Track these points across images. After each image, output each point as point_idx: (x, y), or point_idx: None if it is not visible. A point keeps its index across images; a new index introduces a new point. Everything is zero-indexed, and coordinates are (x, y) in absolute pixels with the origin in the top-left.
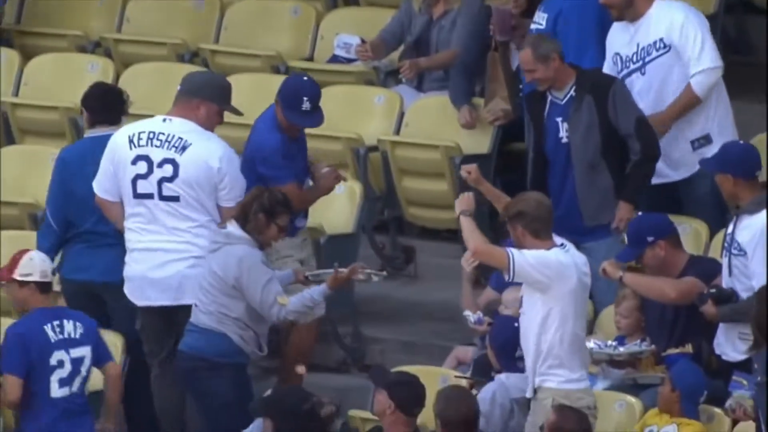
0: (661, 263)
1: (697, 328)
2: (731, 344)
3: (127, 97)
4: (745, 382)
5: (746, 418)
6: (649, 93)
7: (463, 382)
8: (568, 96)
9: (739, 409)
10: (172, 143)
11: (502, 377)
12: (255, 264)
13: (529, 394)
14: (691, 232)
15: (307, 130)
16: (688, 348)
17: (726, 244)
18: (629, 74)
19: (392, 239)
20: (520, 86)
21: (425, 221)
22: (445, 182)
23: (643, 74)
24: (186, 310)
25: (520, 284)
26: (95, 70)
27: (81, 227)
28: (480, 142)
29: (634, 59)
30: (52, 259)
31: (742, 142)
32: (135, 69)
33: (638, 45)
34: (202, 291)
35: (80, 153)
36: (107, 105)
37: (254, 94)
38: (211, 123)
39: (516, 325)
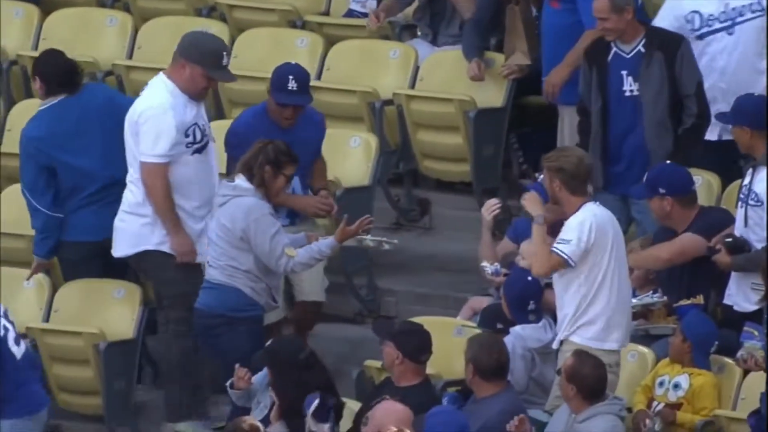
0: (666, 216)
1: (707, 280)
2: (743, 294)
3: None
4: (756, 332)
5: (757, 368)
6: (732, 54)
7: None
8: (636, 51)
9: (750, 360)
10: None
11: (518, 329)
12: (263, 215)
13: (555, 345)
14: (703, 183)
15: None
16: (700, 299)
17: (742, 195)
18: (711, 33)
19: (407, 192)
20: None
21: (440, 174)
22: (460, 135)
23: (730, 34)
24: (129, 260)
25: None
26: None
27: (85, 192)
28: (494, 96)
29: (721, 18)
30: (51, 242)
31: (756, 94)
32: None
33: (728, 5)
34: (212, 245)
35: (51, 128)
36: (67, 74)
37: (271, 49)
38: (194, 85)
39: (530, 278)
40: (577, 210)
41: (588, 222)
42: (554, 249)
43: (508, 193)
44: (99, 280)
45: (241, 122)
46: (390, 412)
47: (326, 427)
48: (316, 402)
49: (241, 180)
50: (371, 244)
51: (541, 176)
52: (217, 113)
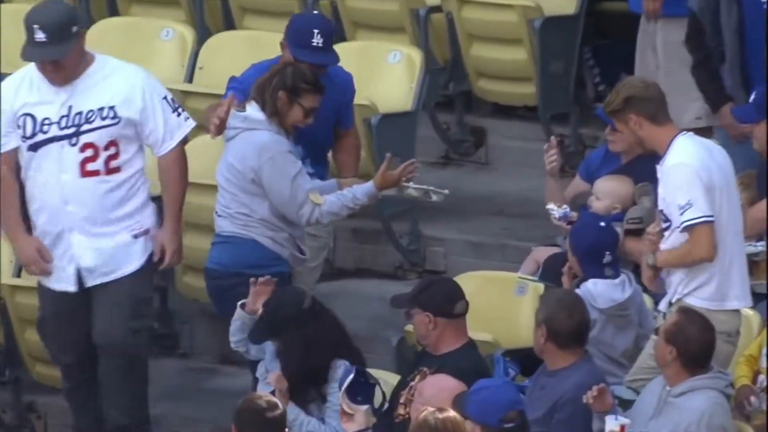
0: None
1: None
2: None
3: None
4: None
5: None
6: None
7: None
8: None
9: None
10: None
11: (588, 285)
12: (279, 153)
13: (662, 307)
14: None
15: None
16: None
17: None
18: None
19: (458, 119)
20: None
21: (498, 97)
22: (523, 49)
23: None
24: None
25: (614, 172)
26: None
27: None
28: (565, 2)
29: None
30: None
31: None
32: None
33: None
34: (220, 189)
35: None
36: None
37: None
38: None
39: (602, 224)
40: (670, 145)
41: (688, 167)
42: (690, 223)
43: (582, 120)
44: None
45: (245, 78)
46: (442, 389)
47: (363, 409)
48: (352, 376)
49: (253, 109)
50: (415, 193)
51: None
52: None
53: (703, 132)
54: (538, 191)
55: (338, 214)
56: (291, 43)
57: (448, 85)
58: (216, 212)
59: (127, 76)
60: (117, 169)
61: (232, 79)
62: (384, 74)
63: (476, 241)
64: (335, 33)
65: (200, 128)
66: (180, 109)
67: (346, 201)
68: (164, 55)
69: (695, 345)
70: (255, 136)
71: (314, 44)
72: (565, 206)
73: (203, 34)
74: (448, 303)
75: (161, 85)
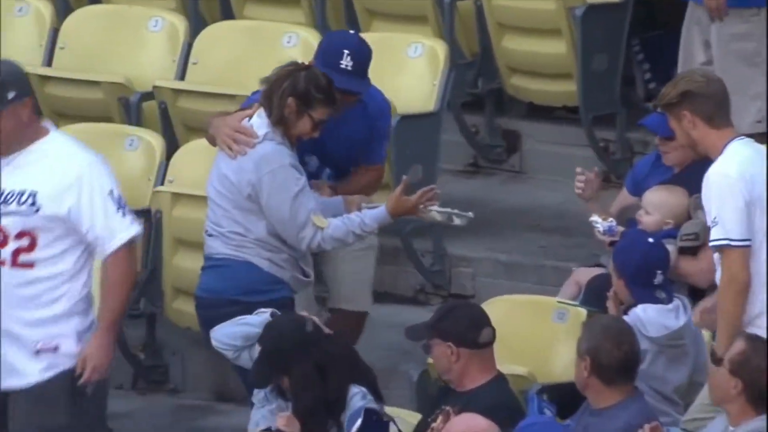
0: None
1: None
2: None
3: None
4: None
5: None
6: None
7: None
8: None
9: None
10: None
11: (637, 311)
12: (282, 166)
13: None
14: None
15: None
16: None
17: None
18: None
19: (488, 121)
20: None
21: (533, 95)
22: (562, 41)
23: None
24: None
25: (665, 182)
26: None
27: None
28: None
29: None
30: None
31: None
32: None
33: None
34: (211, 205)
35: None
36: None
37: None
38: None
39: (651, 240)
40: (722, 151)
41: (725, 178)
42: (712, 244)
43: (630, 122)
44: None
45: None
46: (471, 429)
47: None
48: (360, 421)
49: (259, 116)
50: (438, 217)
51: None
52: (169, 143)
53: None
54: (580, 203)
55: (343, 241)
56: (318, 62)
57: (476, 83)
58: (205, 231)
59: (67, 166)
60: (28, 265)
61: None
62: (403, 70)
63: (509, 260)
64: (371, 58)
65: (192, 130)
66: (126, 209)
67: (353, 226)
68: (152, 48)
69: (764, 377)
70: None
71: (342, 66)
72: (611, 219)
73: (197, 24)
74: (472, 331)
75: (109, 178)
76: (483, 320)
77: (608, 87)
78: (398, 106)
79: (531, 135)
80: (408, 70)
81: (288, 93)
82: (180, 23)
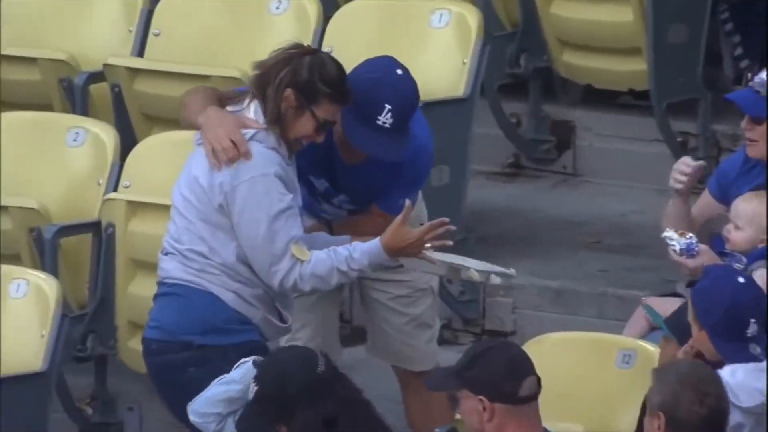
0: None
1: None
2: None
3: None
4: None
5: None
6: None
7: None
8: None
9: None
10: None
11: (725, 373)
12: (265, 176)
13: None
14: None
15: None
16: None
17: None
18: None
19: (533, 109)
20: None
21: (591, 76)
22: (628, 7)
23: None
24: None
25: (758, 187)
26: None
27: None
28: None
29: None
30: None
31: None
32: None
33: None
34: (173, 214)
35: None
36: None
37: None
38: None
39: (741, 280)
40: None
41: None
42: None
43: (715, 111)
44: None
45: None
46: None
47: None
48: None
49: (251, 107)
50: (477, 277)
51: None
52: (124, 137)
53: None
54: (650, 214)
55: (325, 280)
56: (346, 109)
57: (518, 60)
58: (162, 249)
59: None
60: None
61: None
62: (425, 44)
63: (559, 287)
64: (416, 107)
65: (153, 121)
66: None
67: (338, 261)
68: (103, 16)
69: None
70: None
71: (379, 123)
72: (690, 235)
73: None
74: (510, 381)
75: None
76: (524, 367)
77: (688, 65)
78: (419, 89)
79: (588, 127)
80: (431, 44)
81: (286, 83)
82: None
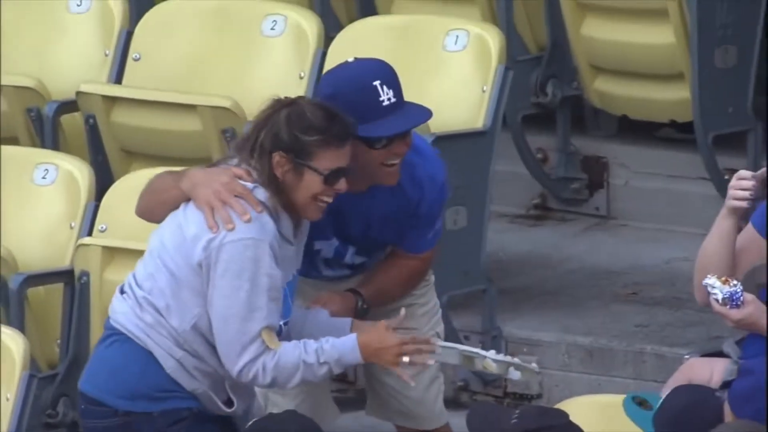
0: None
1: None
2: None
3: None
4: None
5: None
6: None
7: None
8: None
9: None
10: None
11: None
12: (259, 242)
13: None
14: None
15: None
16: None
17: None
18: None
19: (562, 143)
20: None
21: (627, 107)
22: (669, 27)
23: None
24: None
25: None
26: None
27: None
28: None
29: None
30: None
31: None
32: None
33: None
34: (146, 257)
35: None
36: None
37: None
38: None
39: None
40: None
41: None
42: None
43: None
44: None
45: None
46: None
47: None
48: None
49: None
50: (494, 366)
51: None
52: (100, 175)
53: None
54: (695, 261)
55: (288, 375)
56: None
57: (544, 88)
58: (120, 286)
59: None
60: None
61: None
62: (439, 69)
63: (591, 345)
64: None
65: (132, 156)
66: None
67: (307, 354)
68: (78, 36)
69: None
70: None
71: (385, 103)
72: (734, 282)
73: (139, 4)
74: None
75: None
76: None
77: (736, 93)
78: (432, 122)
79: (623, 164)
80: (446, 69)
81: (269, 148)
82: (115, 2)
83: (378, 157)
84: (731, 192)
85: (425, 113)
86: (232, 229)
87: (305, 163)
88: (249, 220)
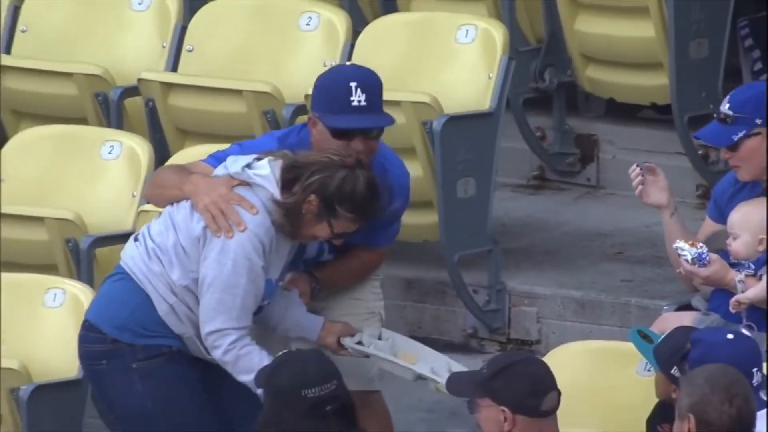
0: None
1: None
2: None
3: None
4: None
5: None
6: None
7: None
8: None
9: None
10: None
11: None
12: (254, 236)
13: None
14: None
15: None
16: None
17: None
18: None
19: (558, 122)
20: None
21: (614, 91)
22: (650, 23)
23: None
24: None
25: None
26: None
27: None
28: None
29: None
30: None
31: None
32: None
33: None
34: (163, 215)
35: None
36: None
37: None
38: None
39: (729, 336)
40: None
41: None
42: None
43: None
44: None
45: (227, 155)
46: None
47: None
48: None
49: (270, 169)
50: (387, 366)
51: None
52: (158, 150)
53: None
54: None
55: (239, 373)
56: (319, 108)
57: (542, 75)
58: (135, 233)
59: None
60: None
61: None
62: (451, 59)
63: (583, 298)
64: (382, 89)
65: (187, 135)
66: None
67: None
68: (137, 31)
69: None
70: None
71: (354, 104)
72: (700, 245)
73: (194, 2)
74: (534, 396)
75: None
76: (548, 383)
77: (708, 80)
78: (445, 104)
79: (611, 140)
80: (457, 59)
81: (313, 189)
82: (172, 1)
83: (338, 148)
84: (633, 184)
85: (382, 121)
86: (230, 237)
87: (328, 218)
88: (244, 230)
